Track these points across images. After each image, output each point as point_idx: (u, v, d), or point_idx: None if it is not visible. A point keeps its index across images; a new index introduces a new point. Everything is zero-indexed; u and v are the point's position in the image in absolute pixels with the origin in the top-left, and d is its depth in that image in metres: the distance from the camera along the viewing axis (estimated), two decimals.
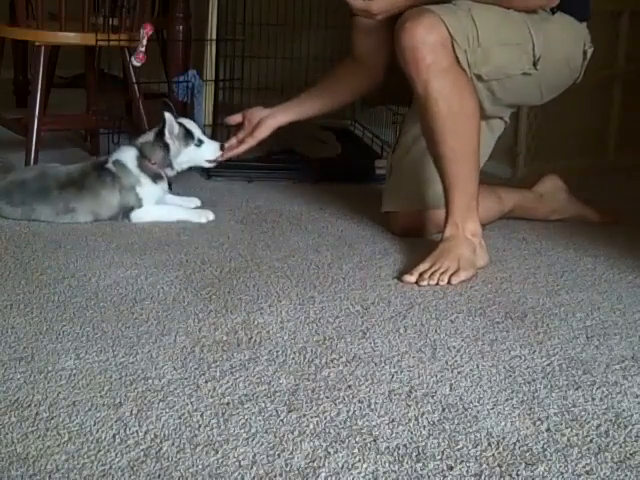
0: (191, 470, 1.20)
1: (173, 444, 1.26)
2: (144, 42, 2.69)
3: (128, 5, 2.82)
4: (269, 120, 2.41)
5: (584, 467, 1.25)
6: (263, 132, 2.41)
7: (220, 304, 1.81)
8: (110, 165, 2.36)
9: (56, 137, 3.22)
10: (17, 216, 2.32)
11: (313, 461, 1.23)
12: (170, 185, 2.45)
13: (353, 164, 3.06)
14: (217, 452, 1.24)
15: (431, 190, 2.25)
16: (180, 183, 2.66)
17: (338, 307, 1.82)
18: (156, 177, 2.38)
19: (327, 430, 1.32)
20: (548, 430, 1.35)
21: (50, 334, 1.62)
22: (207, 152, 2.43)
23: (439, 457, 1.26)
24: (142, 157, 2.37)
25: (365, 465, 1.23)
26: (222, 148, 2.43)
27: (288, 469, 1.21)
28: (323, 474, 1.20)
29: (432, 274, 1.98)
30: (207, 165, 2.49)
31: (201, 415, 1.35)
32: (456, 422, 1.36)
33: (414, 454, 1.26)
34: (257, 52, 2.99)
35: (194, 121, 2.54)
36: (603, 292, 1.98)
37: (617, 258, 2.21)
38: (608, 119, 3.34)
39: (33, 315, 1.71)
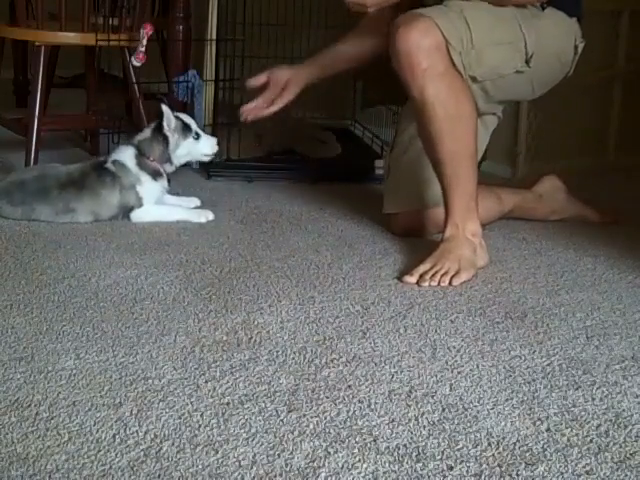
0: (191, 470, 1.20)
1: (173, 444, 1.26)
2: (144, 42, 2.69)
3: (128, 5, 2.82)
4: (297, 78, 2.37)
5: (584, 467, 1.25)
6: (293, 90, 2.38)
7: (220, 304, 1.81)
8: (110, 165, 2.37)
9: (56, 137, 3.22)
10: (17, 216, 2.32)
11: (313, 461, 1.23)
12: (169, 181, 2.46)
13: (353, 164, 3.06)
14: (217, 452, 1.24)
15: (430, 189, 2.25)
16: (180, 183, 2.67)
17: (338, 307, 1.82)
18: (156, 174, 2.39)
19: (327, 430, 1.32)
20: (548, 430, 1.35)
21: (50, 334, 1.62)
22: (205, 146, 2.45)
23: (439, 457, 1.26)
24: (140, 155, 2.38)
25: (365, 465, 1.23)
26: (218, 143, 2.46)
27: (288, 469, 1.21)
28: (323, 474, 1.20)
29: (433, 275, 1.98)
30: (204, 159, 2.51)
31: (201, 415, 1.35)
32: (456, 422, 1.36)
33: (414, 454, 1.26)
34: (257, 52, 2.99)
35: (206, 134, 2.56)
36: (603, 292, 1.98)
37: (617, 258, 2.21)
38: (608, 119, 3.35)
39: (33, 315, 1.71)
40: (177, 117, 2.40)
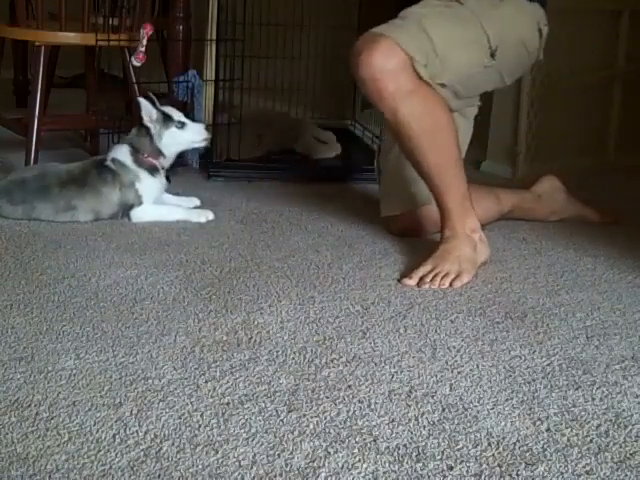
0: (191, 470, 1.20)
1: (173, 444, 1.26)
2: (144, 42, 2.69)
3: (128, 5, 2.82)
4: None
5: (584, 467, 1.25)
6: None
7: (220, 304, 1.81)
8: (109, 163, 2.37)
9: (56, 137, 3.22)
10: (18, 215, 2.32)
11: (313, 461, 1.23)
12: (168, 178, 2.46)
13: (353, 164, 3.06)
14: (217, 452, 1.24)
15: (417, 188, 2.22)
16: (180, 183, 2.67)
17: (338, 307, 1.82)
18: (153, 170, 2.39)
19: (327, 430, 1.32)
20: (548, 430, 1.35)
21: (50, 334, 1.62)
22: (192, 133, 2.43)
23: (439, 457, 1.26)
24: (135, 152, 2.38)
25: (365, 465, 1.23)
26: (207, 129, 2.45)
27: (288, 469, 1.21)
28: (323, 474, 1.20)
29: (433, 278, 1.97)
30: (197, 146, 2.49)
31: (201, 415, 1.35)
32: (456, 422, 1.36)
33: (414, 454, 1.26)
34: (257, 52, 2.99)
35: (194, 121, 2.55)
36: (603, 292, 1.98)
37: (617, 258, 2.21)
38: (608, 119, 3.35)
39: (33, 315, 1.71)
40: (157, 109, 2.40)
